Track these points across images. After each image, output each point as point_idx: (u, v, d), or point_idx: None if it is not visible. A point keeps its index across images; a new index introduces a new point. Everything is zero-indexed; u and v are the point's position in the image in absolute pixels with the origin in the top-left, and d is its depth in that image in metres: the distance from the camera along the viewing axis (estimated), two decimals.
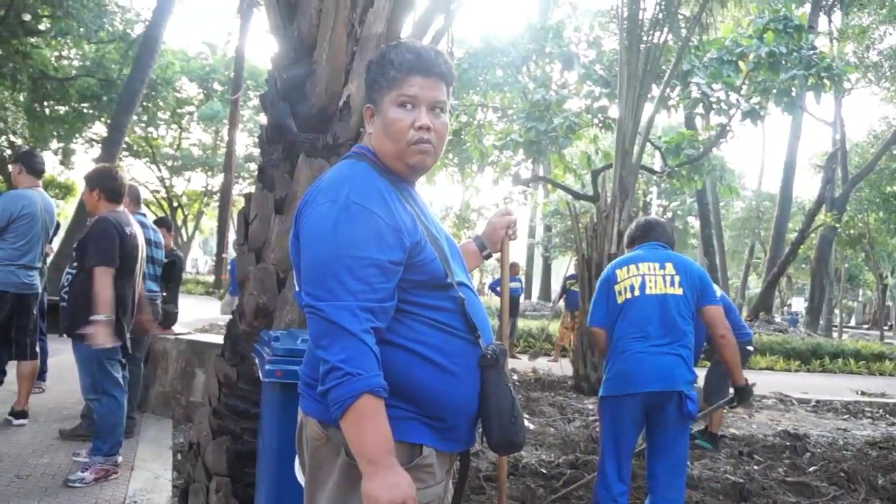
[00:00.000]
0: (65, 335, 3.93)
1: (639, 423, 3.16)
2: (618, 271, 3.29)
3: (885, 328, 33.37)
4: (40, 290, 5.14)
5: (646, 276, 3.22)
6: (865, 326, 45.57)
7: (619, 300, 3.23)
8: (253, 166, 28.07)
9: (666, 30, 8.56)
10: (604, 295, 3.31)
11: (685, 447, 3.21)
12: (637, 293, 3.18)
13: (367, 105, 1.62)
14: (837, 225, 23.02)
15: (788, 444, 5.80)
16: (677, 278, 3.21)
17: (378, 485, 1.35)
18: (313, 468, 1.56)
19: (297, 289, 1.59)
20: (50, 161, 24.51)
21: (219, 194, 25.99)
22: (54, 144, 24.58)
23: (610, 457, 3.17)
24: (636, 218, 3.61)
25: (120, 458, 3.99)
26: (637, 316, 3.16)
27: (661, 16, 8.46)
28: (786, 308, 38.85)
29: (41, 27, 18.47)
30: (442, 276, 1.53)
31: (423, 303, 1.51)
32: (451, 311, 1.54)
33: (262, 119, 3.42)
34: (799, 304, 37.18)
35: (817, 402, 8.93)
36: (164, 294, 5.33)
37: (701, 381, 6.03)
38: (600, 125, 11.10)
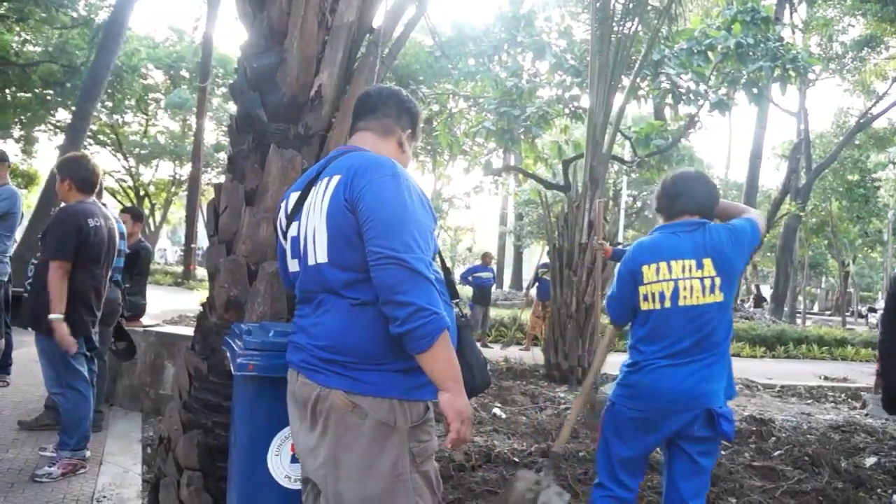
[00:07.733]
0: (29, 328, 3.86)
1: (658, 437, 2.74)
2: (644, 268, 2.67)
3: (847, 314, 34.13)
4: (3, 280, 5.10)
5: (679, 283, 2.61)
6: (828, 313, 46.57)
7: (644, 307, 2.67)
8: (222, 155, 27.66)
9: (636, 20, 8.61)
10: (628, 293, 2.73)
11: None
12: (668, 304, 2.61)
13: (409, 129, 2.07)
14: (802, 213, 23.47)
15: (754, 428, 5.91)
16: (718, 280, 2.59)
17: (464, 400, 1.73)
18: (338, 434, 1.77)
19: (323, 260, 1.82)
20: (12, 149, 23.89)
21: (187, 184, 25.60)
22: (17, 132, 23.97)
23: (616, 465, 2.83)
24: (650, 193, 2.96)
25: (88, 453, 3.94)
26: (665, 332, 2.62)
27: (631, 6, 8.49)
28: (751, 295, 39.49)
29: (1, 11, 17.95)
30: (438, 247, 1.90)
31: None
32: (443, 280, 1.88)
33: (232, 107, 3.37)
34: (764, 292, 37.83)
35: (782, 387, 9.13)
36: (128, 285, 5.24)
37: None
38: (571, 115, 11.14)
